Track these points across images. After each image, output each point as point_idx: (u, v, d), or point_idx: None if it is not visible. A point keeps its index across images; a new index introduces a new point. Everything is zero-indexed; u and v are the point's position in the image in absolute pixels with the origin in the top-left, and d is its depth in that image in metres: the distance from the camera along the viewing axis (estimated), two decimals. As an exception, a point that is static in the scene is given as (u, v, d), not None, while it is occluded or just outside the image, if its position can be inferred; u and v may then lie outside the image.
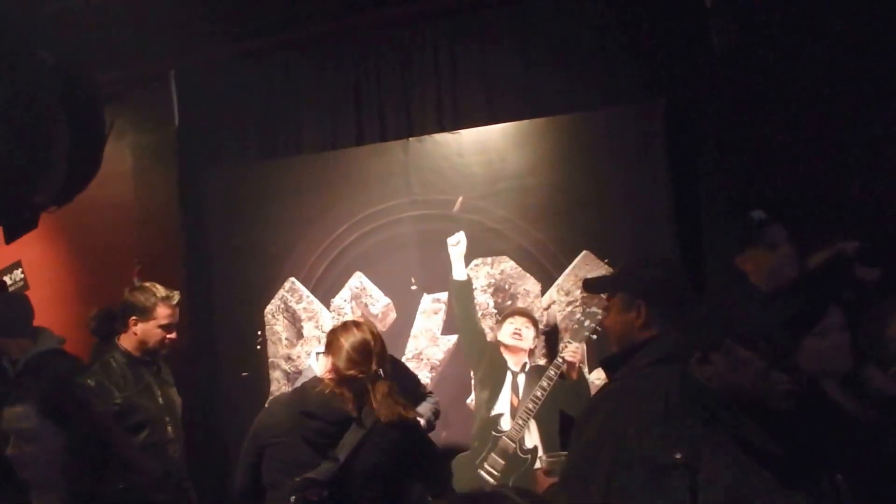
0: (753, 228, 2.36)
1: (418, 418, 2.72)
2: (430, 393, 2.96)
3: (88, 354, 4.35)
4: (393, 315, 3.48)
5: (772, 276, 2.29)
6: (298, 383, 2.84)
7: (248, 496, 2.24)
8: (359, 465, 2.08)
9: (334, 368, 2.21)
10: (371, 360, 2.19)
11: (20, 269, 5.03)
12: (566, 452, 1.87)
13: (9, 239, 2.34)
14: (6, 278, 5.05)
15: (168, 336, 2.82)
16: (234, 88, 3.95)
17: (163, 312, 2.77)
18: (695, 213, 3.10)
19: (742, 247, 2.42)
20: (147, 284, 2.86)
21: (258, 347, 3.76)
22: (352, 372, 2.16)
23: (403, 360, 3.31)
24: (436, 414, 2.84)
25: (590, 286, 2.08)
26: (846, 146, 2.86)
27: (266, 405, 2.28)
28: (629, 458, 1.51)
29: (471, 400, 3.33)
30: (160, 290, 2.80)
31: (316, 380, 2.25)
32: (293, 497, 2.02)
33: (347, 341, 2.21)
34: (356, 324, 2.29)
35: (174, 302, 2.80)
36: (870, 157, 2.83)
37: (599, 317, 3.11)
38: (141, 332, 2.78)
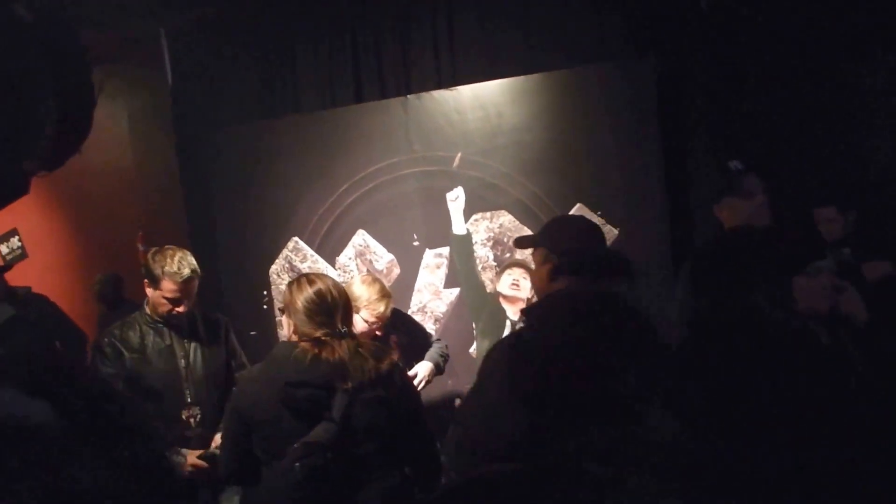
0: (731, 178, 2.56)
1: (406, 369, 2.84)
2: (438, 340, 3.18)
3: (88, 320, 4.59)
4: (397, 271, 3.73)
5: (746, 223, 2.51)
6: None
7: (238, 476, 2.18)
8: (355, 422, 2.04)
9: (296, 329, 2.13)
10: (333, 317, 2.10)
11: (17, 237, 5.22)
12: None
13: None
14: (2, 246, 5.24)
15: (176, 308, 2.74)
16: (229, 48, 4.11)
17: (167, 286, 2.70)
18: (682, 165, 3.34)
19: (720, 195, 2.62)
20: (168, 252, 2.73)
21: (264, 307, 4.00)
22: (317, 334, 2.08)
23: (409, 313, 3.56)
24: (444, 357, 3.08)
25: (518, 243, 2.31)
26: (823, 103, 3.12)
27: (238, 383, 2.21)
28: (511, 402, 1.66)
29: (473, 349, 3.61)
30: (172, 264, 2.70)
31: (287, 345, 2.15)
32: (297, 464, 1.96)
33: (302, 299, 2.11)
34: (309, 279, 2.17)
35: (180, 279, 2.70)
36: (846, 115, 3.09)
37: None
38: (151, 298, 2.77)
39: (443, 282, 3.71)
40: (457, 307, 3.68)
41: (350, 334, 2.15)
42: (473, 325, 3.63)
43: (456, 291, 3.69)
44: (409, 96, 3.75)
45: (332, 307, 2.10)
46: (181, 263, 2.72)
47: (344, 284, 2.33)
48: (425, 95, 3.71)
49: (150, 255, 2.78)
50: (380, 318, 2.73)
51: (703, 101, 3.33)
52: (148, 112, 4.55)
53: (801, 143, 3.10)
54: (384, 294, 2.77)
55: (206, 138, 4.16)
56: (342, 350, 2.07)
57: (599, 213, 3.44)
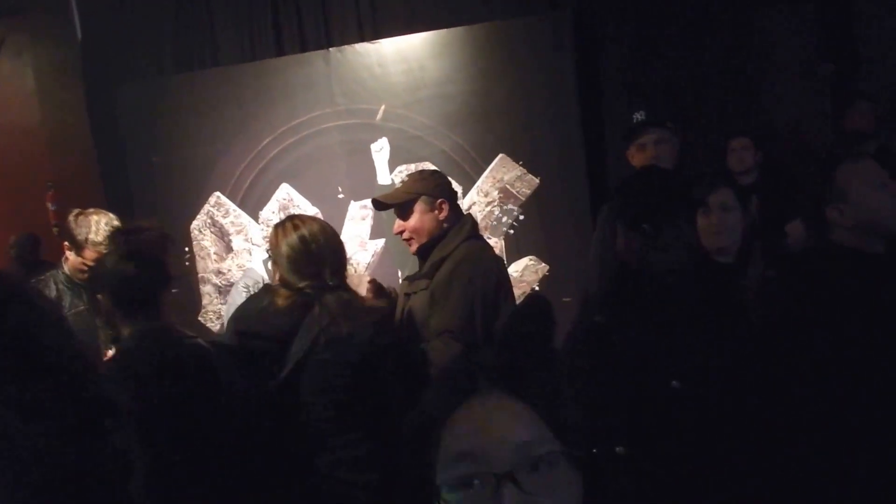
0: (633, 127, 2.74)
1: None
2: None
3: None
4: (322, 223, 3.79)
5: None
6: (241, 284, 3.09)
7: None
8: (303, 385, 1.90)
9: (281, 278, 1.98)
10: (321, 268, 1.93)
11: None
12: None
13: None
14: None
15: None
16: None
17: (89, 255, 2.58)
18: (598, 115, 3.54)
19: (630, 142, 2.79)
20: (92, 217, 2.60)
21: (186, 264, 3.98)
22: (300, 285, 1.92)
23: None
24: None
25: (388, 201, 2.34)
26: (732, 57, 3.37)
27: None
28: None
29: (400, 299, 3.71)
30: (97, 232, 2.57)
31: (265, 291, 2.06)
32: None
33: (286, 245, 1.94)
34: (294, 223, 1.99)
35: (105, 251, 2.54)
36: (755, 65, 3.36)
37: (516, 213, 3.54)
38: (70, 261, 2.67)
39: (368, 233, 3.80)
40: (382, 257, 3.79)
41: (343, 287, 1.98)
42: (399, 274, 3.73)
43: (381, 242, 3.79)
44: (330, 49, 3.79)
45: (318, 256, 1.93)
46: (109, 229, 2.54)
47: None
48: (347, 48, 3.77)
49: (72, 219, 2.65)
50: None
51: (618, 52, 3.53)
52: (56, 67, 4.41)
53: (713, 92, 3.35)
54: None
55: (119, 93, 4.07)
56: (328, 305, 1.90)
57: (521, 162, 3.60)
